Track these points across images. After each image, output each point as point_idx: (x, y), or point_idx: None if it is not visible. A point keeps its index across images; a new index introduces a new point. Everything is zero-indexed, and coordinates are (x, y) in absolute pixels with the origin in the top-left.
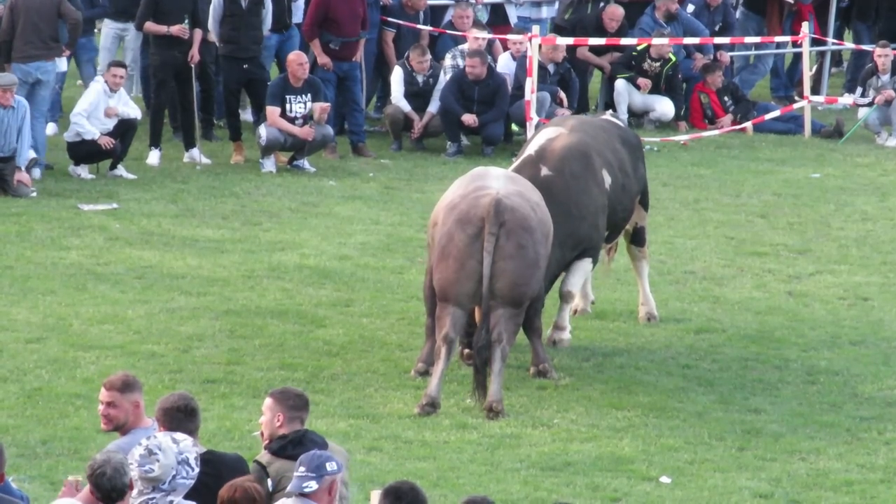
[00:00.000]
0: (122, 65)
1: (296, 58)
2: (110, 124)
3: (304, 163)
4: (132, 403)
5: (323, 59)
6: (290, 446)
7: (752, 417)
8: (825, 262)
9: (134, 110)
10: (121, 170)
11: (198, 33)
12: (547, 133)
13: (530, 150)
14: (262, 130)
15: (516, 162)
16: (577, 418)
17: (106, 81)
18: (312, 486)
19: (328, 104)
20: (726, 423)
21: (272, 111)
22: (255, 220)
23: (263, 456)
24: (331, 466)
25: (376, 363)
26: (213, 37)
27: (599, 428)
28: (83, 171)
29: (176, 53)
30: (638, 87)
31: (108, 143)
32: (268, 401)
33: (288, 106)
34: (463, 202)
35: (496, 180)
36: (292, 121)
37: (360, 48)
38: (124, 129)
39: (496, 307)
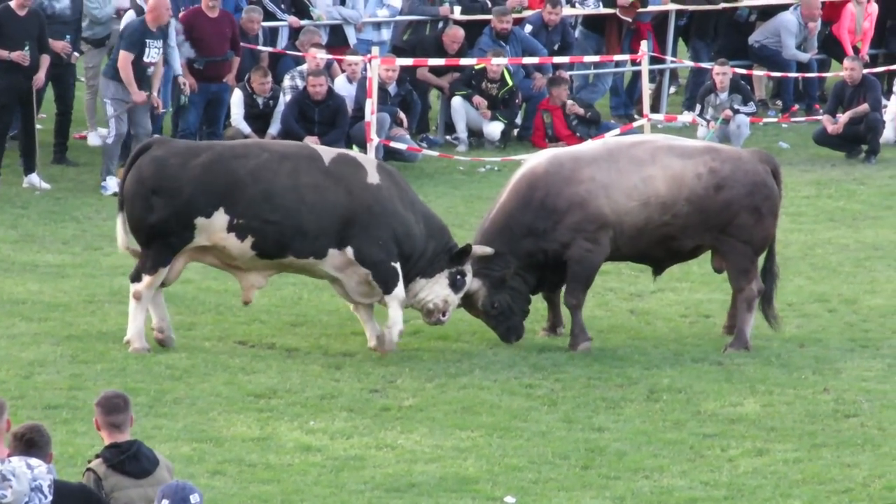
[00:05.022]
0: None
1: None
2: None
3: None
4: None
5: (188, 80)
6: (128, 462)
7: (596, 436)
8: (667, 279)
9: None
10: None
11: (45, 59)
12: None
13: None
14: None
15: None
16: (421, 439)
17: None
18: None
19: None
20: (570, 441)
21: (125, 56)
22: (96, 244)
23: (99, 466)
24: (194, 499)
25: (219, 386)
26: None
27: (443, 448)
28: None
29: (21, 78)
30: (475, 106)
31: None
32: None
33: (146, 51)
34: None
35: None
36: (145, 69)
37: (231, 69)
38: None
39: None
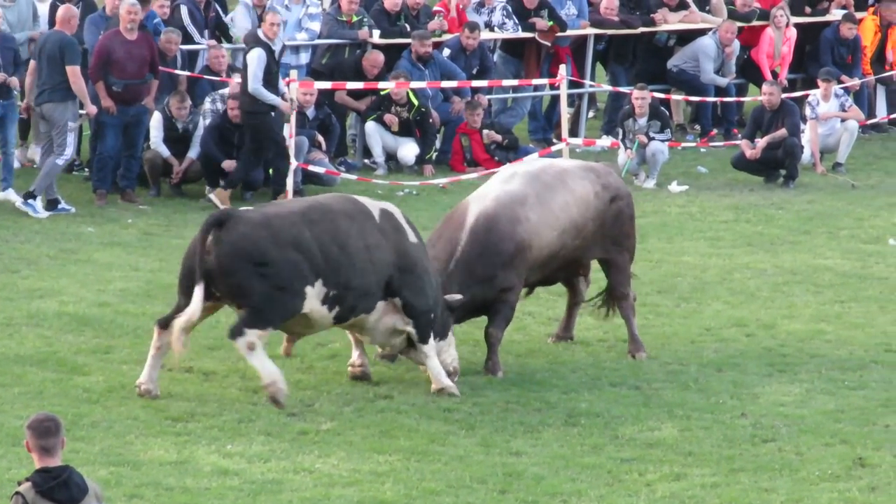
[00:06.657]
0: None
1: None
2: None
3: (63, 203)
4: None
5: (106, 103)
6: (57, 489)
7: (514, 460)
8: (584, 304)
9: None
10: None
11: None
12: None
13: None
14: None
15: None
16: (339, 463)
17: None
18: None
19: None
20: (488, 466)
21: (77, 70)
22: (14, 267)
23: (28, 491)
24: None
25: (137, 410)
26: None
27: (361, 472)
28: None
29: None
30: (388, 128)
31: None
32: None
33: None
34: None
35: None
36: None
37: (150, 92)
38: None
39: None
